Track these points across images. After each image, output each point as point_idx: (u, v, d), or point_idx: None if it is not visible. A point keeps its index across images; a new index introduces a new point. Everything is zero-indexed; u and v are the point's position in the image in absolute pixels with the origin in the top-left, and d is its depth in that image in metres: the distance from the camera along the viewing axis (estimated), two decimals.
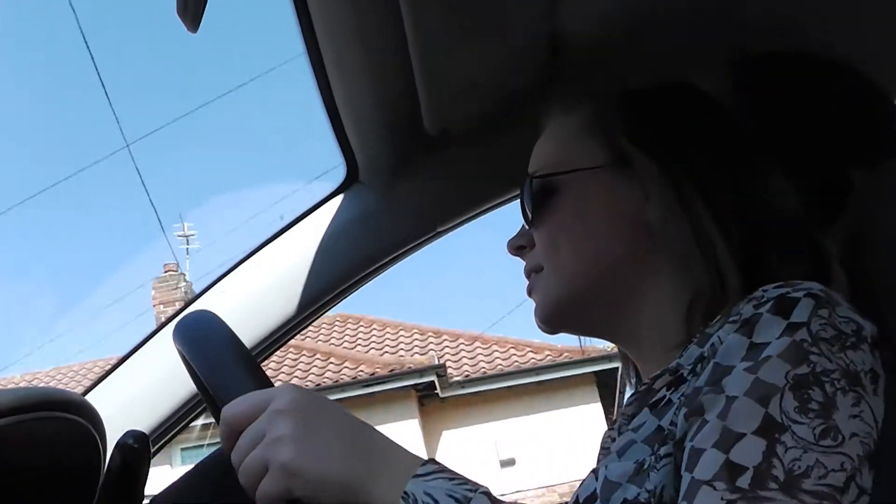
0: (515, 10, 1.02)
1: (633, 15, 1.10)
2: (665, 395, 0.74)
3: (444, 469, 0.68)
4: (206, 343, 0.74)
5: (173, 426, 1.32)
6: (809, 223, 0.84)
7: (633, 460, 0.70)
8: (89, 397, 1.24)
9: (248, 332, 1.30)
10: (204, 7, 0.84)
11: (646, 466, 0.69)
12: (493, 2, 0.99)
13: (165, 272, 14.29)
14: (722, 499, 0.60)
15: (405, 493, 0.65)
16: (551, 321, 0.92)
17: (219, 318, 0.77)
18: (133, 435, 0.78)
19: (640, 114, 0.91)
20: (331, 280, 1.34)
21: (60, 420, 0.85)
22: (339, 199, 1.35)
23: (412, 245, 1.37)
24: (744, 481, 0.61)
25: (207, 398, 0.80)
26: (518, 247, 0.96)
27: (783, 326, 0.67)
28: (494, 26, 1.03)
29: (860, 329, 0.69)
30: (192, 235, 15.03)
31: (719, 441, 0.63)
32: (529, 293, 0.94)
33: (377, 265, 1.36)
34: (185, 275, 14.46)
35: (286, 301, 1.33)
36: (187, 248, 14.99)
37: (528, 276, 0.94)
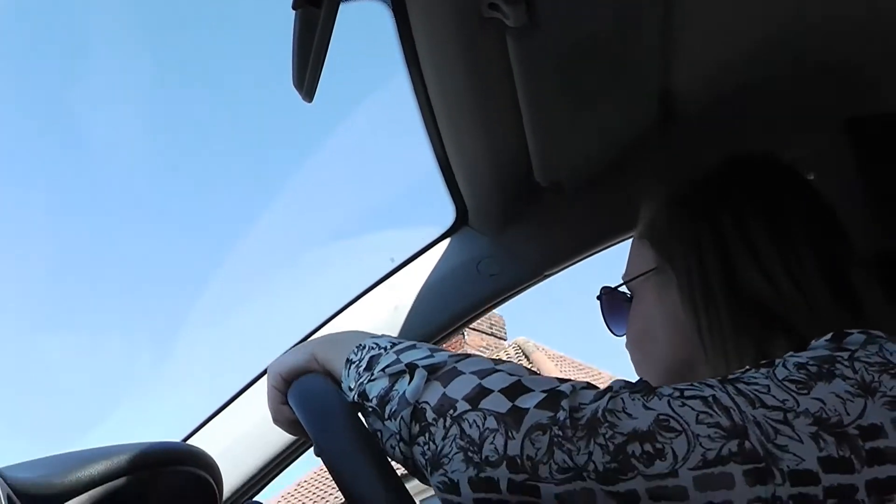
0: (627, 71, 1.01)
1: (745, 78, 1.08)
2: None
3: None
4: (320, 412, 0.76)
5: (277, 467, 1.35)
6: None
7: None
8: (197, 439, 1.28)
9: None
10: (318, 79, 0.86)
11: None
12: (605, 64, 0.98)
13: None
14: None
15: (360, 343, 0.75)
16: None
17: (331, 384, 0.78)
18: None
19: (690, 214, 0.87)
20: (439, 321, 1.35)
21: (185, 474, 0.88)
22: (446, 242, 1.36)
23: (519, 288, 1.37)
24: None
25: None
26: None
27: (832, 345, 0.65)
28: (605, 86, 1.03)
29: None
30: None
31: None
32: None
33: (484, 307, 1.37)
34: None
35: None
36: None
37: None
